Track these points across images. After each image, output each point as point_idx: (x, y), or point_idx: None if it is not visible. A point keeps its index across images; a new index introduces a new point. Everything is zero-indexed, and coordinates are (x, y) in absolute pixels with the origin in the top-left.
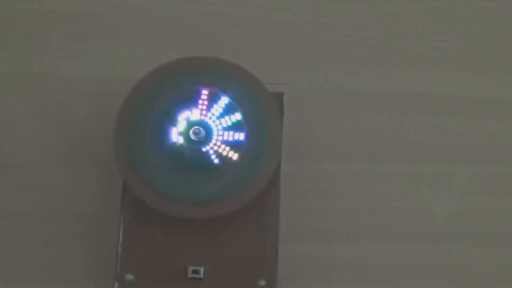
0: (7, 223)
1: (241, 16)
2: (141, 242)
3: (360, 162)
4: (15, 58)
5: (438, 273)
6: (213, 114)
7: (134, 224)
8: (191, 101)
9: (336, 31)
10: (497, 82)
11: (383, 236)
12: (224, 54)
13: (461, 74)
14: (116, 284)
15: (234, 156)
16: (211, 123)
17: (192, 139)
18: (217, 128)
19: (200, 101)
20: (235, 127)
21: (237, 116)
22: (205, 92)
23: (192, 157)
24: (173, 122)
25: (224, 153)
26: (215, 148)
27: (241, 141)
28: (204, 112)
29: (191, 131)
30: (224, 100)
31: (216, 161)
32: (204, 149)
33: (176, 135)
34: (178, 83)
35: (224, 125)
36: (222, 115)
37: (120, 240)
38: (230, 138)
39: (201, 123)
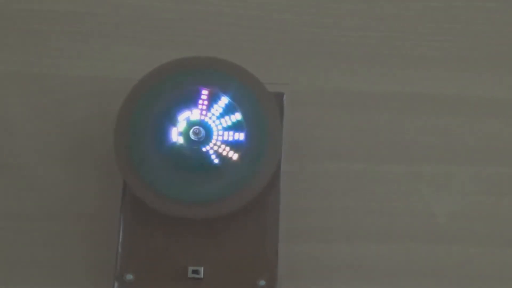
0: (7, 223)
1: (241, 16)
2: (141, 242)
3: (360, 162)
4: (15, 58)
5: (438, 273)
6: (213, 114)
7: (134, 224)
8: (191, 101)
9: (336, 31)
10: (497, 82)
11: (383, 236)
12: (224, 54)
13: (461, 74)
14: (116, 284)
15: (234, 156)
16: (211, 123)
17: (192, 139)
18: (217, 128)
19: (200, 101)
20: (235, 127)
21: (237, 116)
22: (205, 92)
23: (192, 157)
24: (173, 122)
25: (224, 153)
26: (215, 148)
27: (241, 141)
28: (204, 112)
29: (191, 131)
30: (224, 100)
31: (216, 161)
32: (204, 149)
33: (176, 135)
34: (178, 83)
35: (224, 125)
36: (222, 115)
37: (120, 240)
38: (230, 138)
39: (201, 123)
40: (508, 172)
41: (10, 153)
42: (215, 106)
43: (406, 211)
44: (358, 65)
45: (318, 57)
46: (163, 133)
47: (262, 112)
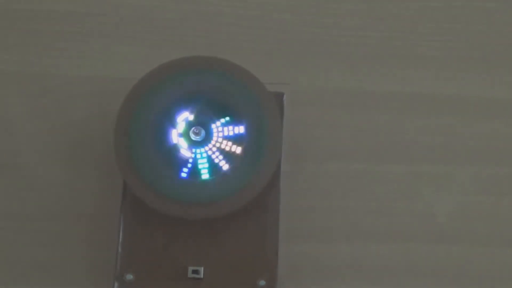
0: (7, 223)
1: (241, 16)
2: (141, 242)
3: (360, 162)
4: (15, 58)
5: (438, 273)
6: (213, 114)
7: (134, 224)
8: (191, 101)
9: (336, 31)
10: (497, 82)
11: (383, 236)
12: (224, 54)
13: (461, 74)
14: (116, 284)
15: (236, 151)
16: (211, 123)
17: (192, 139)
18: (217, 129)
19: (201, 101)
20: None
21: (237, 116)
22: (205, 92)
23: (191, 157)
24: (173, 122)
25: (224, 153)
26: (215, 148)
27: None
28: (204, 112)
29: (191, 131)
30: (224, 100)
31: (216, 161)
32: (204, 149)
33: (176, 135)
34: (178, 83)
35: (224, 125)
36: (222, 115)
37: (120, 240)
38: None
39: (201, 123)
40: (508, 172)
41: (10, 153)
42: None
43: (406, 211)
44: (358, 65)
45: (318, 57)
46: (163, 133)
47: (262, 112)
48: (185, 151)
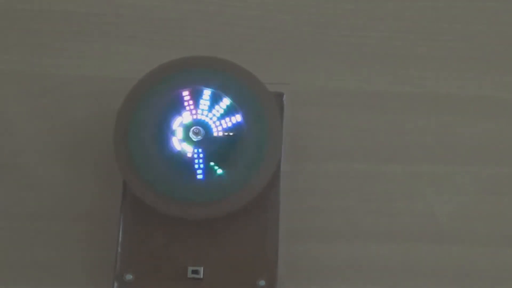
0: (7, 223)
1: (241, 16)
2: (141, 242)
3: (360, 162)
4: (15, 58)
5: (438, 273)
6: (213, 115)
7: (134, 224)
8: (191, 101)
9: (336, 31)
10: (497, 82)
11: (383, 236)
12: (224, 54)
13: (461, 74)
14: (116, 284)
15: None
16: (211, 123)
17: (192, 139)
18: (217, 128)
19: (201, 101)
20: (235, 127)
21: (237, 117)
22: (205, 92)
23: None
24: (173, 122)
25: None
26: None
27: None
28: (204, 112)
29: (191, 131)
30: (224, 100)
31: (216, 161)
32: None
33: (175, 135)
34: (178, 83)
35: (224, 125)
36: (222, 115)
37: (120, 240)
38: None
39: (201, 123)
40: (508, 172)
41: (10, 153)
42: (215, 106)
43: (406, 211)
44: (358, 65)
45: (318, 57)
46: (163, 133)
47: (262, 112)
48: (185, 151)
